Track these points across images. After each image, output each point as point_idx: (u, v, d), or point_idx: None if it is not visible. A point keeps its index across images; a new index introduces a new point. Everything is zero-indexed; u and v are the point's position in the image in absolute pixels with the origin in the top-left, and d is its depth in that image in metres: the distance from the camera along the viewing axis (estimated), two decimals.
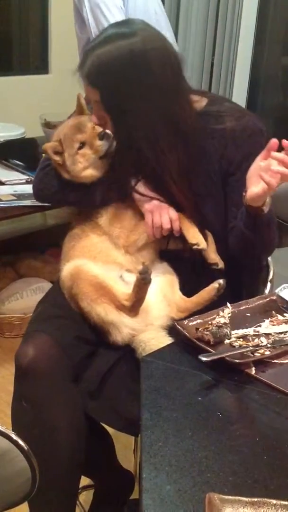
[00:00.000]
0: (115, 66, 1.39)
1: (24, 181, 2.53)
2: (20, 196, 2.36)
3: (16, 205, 2.32)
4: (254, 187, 1.31)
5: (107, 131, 1.45)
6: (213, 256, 1.50)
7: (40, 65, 3.55)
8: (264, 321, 1.31)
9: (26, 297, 2.79)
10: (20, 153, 2.74)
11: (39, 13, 3.48)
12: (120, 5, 2.35)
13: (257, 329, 1.27)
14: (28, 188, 2.14)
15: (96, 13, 2.34)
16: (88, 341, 1.42)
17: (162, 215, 1.46)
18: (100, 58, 1.40)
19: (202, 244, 1.45)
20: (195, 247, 1.45)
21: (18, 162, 2.71)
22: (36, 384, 1.35)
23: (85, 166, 1.48)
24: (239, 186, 1.42)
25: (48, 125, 2.89)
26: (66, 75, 2.89)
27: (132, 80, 1.39)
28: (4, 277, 2.94)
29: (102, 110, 1.45)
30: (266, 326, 1.29)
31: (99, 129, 1.47)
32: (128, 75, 1.39)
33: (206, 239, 1.49)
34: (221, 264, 1.50)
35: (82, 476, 1.58)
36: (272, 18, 3.55)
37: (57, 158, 1.48)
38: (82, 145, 1.47)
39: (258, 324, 1.30)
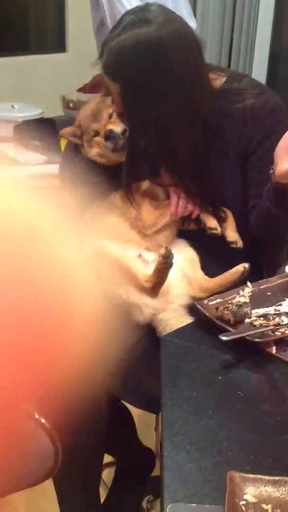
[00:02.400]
0: (134, 58, 1.36)
1: (43, 161, 2.52)
2: (39, 177, 2.36)
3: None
4: (284, 164, 1.30)
5: (114, 129, 1.46)
6: (233, 234, 1.50)
7: (57, 44, 3.53)
8: (285, 300, 1.30)
9: None
10: (38, 133, 2.73)
11: None
12: None
13: (278, 308, 1.27)
14: (46, 169, 2.14)
15: None
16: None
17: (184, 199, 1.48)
18: (118, 50, 1.37)
19: (219, 229, 1.47)
20: (212, 231, 1.47)
21: (36, 142, 2.70)
22: None
23: (99, 153, 1.51)
24: (261, 165, 1.41)
25: (68, 105, 2.89)
26: (84, 54, 2.88)
27: (151, 71, 1.37)
28: None
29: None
30: (287, 305, 1.28)
31: (110, 124, 1.47)
32: (147, 66, 1.36)
33: (226, 217, 1.48)
34: (240, 243, 1.49)
35: (105, 454, 1.60)
36: None
37: (77, 141, 1.52)
38: (97, 133, 1.49)
39: (279, 303, 1.29)
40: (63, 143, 2.17)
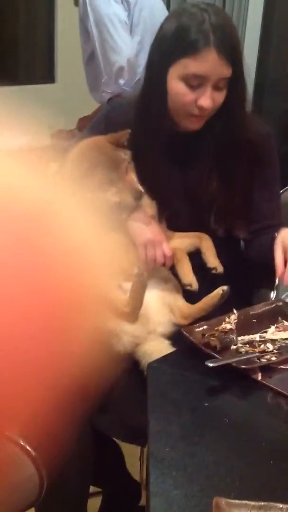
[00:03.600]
0: (235, 35, 1.42)
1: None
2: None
3: None
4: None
5: (142, 190, 1.44)
6: (213, 260, 1.50)
7: (46, 75, 3.58)
8: (270, 327, 1.31)
9: None
10: (26, 162, 2.76)
11: (45, 23, 3.52)
12: (124, 19, 2.38)
13: (263, 334, 1.28)
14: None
15: (101, 28, 2.38)
16: None
17: (157, 249, 1.45)
18: (231, 29, 1.39)
19: (194, 285, 1.43)
20: (187, 287, 1.44)
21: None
22: None
23: (99, 198, 1.44)
24: (256, 191, 1.50)
25: (58, 135, 2.93)
26: (72, 85, 2.93)
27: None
28: None
29: (221, 90, 1.40)
30: (272, 332, 1.29)
31: (133, 181, 1.44)
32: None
33: (204, 244, 1.51)
34: (220, 269, 1.49)
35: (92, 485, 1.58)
36: (276, 23, 3.57)
37: (77, 178, 1.43)
38: (109, 182, 1.44)
39: (264, 330, 1.30)
40: (50, 171, 2.18)
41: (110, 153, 1.45)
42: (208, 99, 1.37)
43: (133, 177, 1.47)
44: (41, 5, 3.51)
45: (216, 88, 1.38)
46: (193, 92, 1.38)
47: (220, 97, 1.40)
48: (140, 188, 1.45)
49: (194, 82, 1.36)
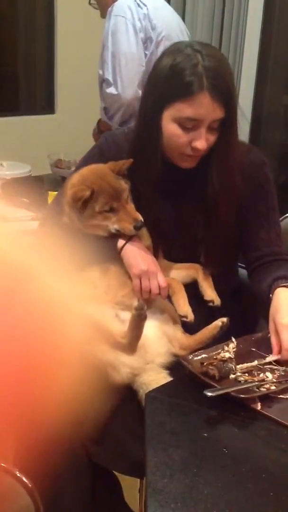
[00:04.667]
0: (229, 76, 1.41)
1: (30, 218, 2.56)
2: (26, 233, 2.39)
3: None
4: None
5: (142, 220, 1.45)
6: (209, 293, 1.50)
7: (46, 106, 3.63)
8: (268, 355, 1.31)
9: None
10: (26, 190, 2.78)
11: (45, 55, 3.58)
12: (141, 62, 2.43)
13: (261, 361, 1.27)
14: (34, 225, 2.16)
15: (115, 61, 2.43)
16: None
17: (151, 280, 1.45)
18: (226, 72, 1.39)
19: (190, 317, 1.42)
20: (183, 319, 1.43)
21: (24, 199, 2.75)
22: None
23: (97, 225, 1.47)
24: (253, 219, 1.52)
25: (56, 164, 2.95)
26: (71, 115, 2.98)
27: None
28: None
29: (214, 131, 1.41)
30: (270, 360, 1.28)
31: (134, 211, 1.45)
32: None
33: (201, 276, 1.51)
34: (217, 301, 1.49)
35: None
36: (273, 57, 3.63)
37: (79, 203, 1.43)
38: (110, 210, 1.45)
39: (262, 357, 1.29)
40: (50, 199, 2.20)
41: (112, 181, 1.46)
42: (202, 142, 1.39)
43: (133, 206, 1.48)
44: (40, 38, 3.58)
45: (209, 129, 1.39)
46: (188, 134, 1.39)
47: (214, 137, 1.42)
48: (140, 217, 1.46)
49: (189, 124, 1.38)
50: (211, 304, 1.49)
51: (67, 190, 1.49)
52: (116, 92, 2.45)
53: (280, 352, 1.30)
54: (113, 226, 1.46)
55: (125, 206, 1.46)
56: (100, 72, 2.56)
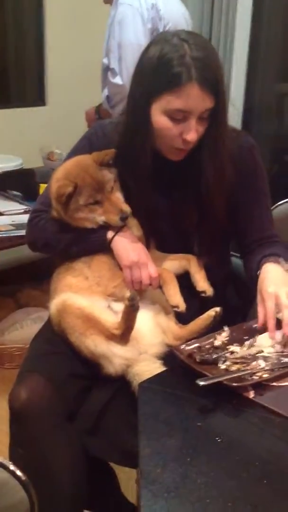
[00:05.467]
0: (217, 65, 1.38)
1: (22, 211, 2.55)
2: (18, 226, 2.38)
3: (15, 235, 2.34)
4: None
5: (128, 210, 1.44)
6: (202, 284, 1.49)
7: (37, 98, 3.61)
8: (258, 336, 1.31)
9: (26, 326, 2.78)
10: (18, 183, 2.77)
11: (35, 46, 3.55)
12: None
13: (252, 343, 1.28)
14: (26, 218, 2.15)
15: (121, 52, 2.40)
16: (82, 376, 1.40)
17: (142, 270, 1.44)
18: (216, 64, 1.37)
19: (182, 307, 1.41)
20: (175, 309, 1.43)
21: (16, 192, 2.74)
22: (29, 428, 1.33)
23: (84, 218, 1.46)
24: (245, 204, 1.52)
25: (48, 156, 2.94)
26: (62, 107, 2.96)
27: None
28: (4, 308, 2.94)
29: (204, 121, 1.39)
30: (262, 344, 1.29)
31: (119, 201, 1.45)
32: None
33: (193, 266, 1.51)
34: (209, 292, 1.48)
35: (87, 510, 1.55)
36: (264, 45, 3.61)
37: (63, 198, 1.43)
38: (96, 202, 1.45)
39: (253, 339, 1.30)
40: (42, 192, 2.19)
41: (95, 172, 1.45)
42: (193, 133, 1.37)
43: (118, 196, 1.47)
44: (30, 30, 3.55)
45: (199, 119, 1.37)
46: (177, 126, 1.37)
47: (204, 127, 1.40)
48: (126, 207, 1.45)
49: (178, 116, 1.36)
50: (203, 294, 1.49)
51: (52, 185, 1.48)
52: (121, 83, 2.43)
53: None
54: (100, 218, 1.45)
55: (110, 198, 1.45)
56: (105, 61, 2.53)
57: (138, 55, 2.39)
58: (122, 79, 2.41)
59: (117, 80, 2.43)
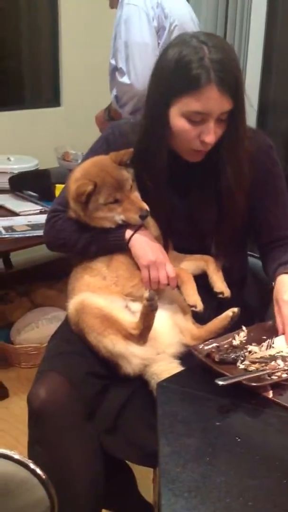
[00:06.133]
0: (236, 67, 1.38)
1: (38, 211, 2.57)
2: (34, 226, 2.40)
3: (30, 235, 2.35)
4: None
5: (147, 208, 1.45)
6: (219, 285, 1.49)
7: (52, 98, 3.63)
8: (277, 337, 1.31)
9: (42, 326, 2.80)
10: (34, 184, 2.78)
11: (50, 48, 3.57)
12: (154, 52, 2.40)
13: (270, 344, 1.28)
14: (42, 219, 2.17)
15: (128, 51, 2.41)
16: (100, 375, 1.40)
17: (160, 270, 1.44)
18: (235, 67, 1.37)
19: (199, 307, 1.42)
20: (192, 308, 1.43)
21: (31, 193, 2.75)
22: (48, 427, 1.34)
23: (103, 217, 1.46)
24: (264, 205, 1.53)
25: (64, 157, 2.95)
26: (77, 108, 2.97)
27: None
28: (20, 307, 2.96)
29: (223, 122, 1.39)
30: (281, 345, 1.28)
31: (138, 200, 1.46)
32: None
33: (211, 267, 1.51)
34: (227, 293, 1.48)
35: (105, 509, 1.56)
36: (278, 44, 3.60)
37: (83, 197, 1.43)
38: (115, 201, 1.45)
39: (272, 340, 1.30)
40: (57, 192, 2.20)
41: (114, 172, 1.45)
42: (211, 136, 1.37)
43: (137, 195, 1.47)
44: (45, 31, 3.57)
45: (218, 120, 1.37)
46: (196, 128, 1.37)
47: (222, 129, 1.40)
48: (146, 206, 1.45)
49: (197, 118, 1.36)
50: (221, 296, 1.49)
51: (70, 185, 1.49)
52: (129, 82, 2.43)
53: (284, 330, 1.30)
54: (119, 217, 1.46)
55: (129, 196, 1.45)
56: (113, 61, 2.54)
57: (145, 54, 2.41)
58: (129, 78, 2.42)
59: (125, 79, 2.43)
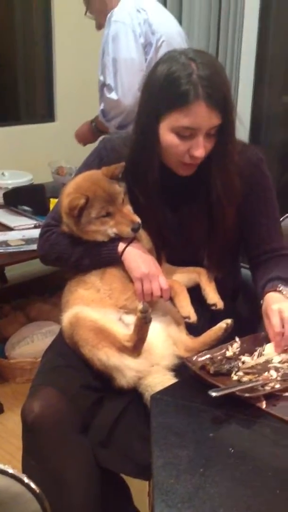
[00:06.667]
0: (224, 82, 1.40)
1: (33, 226, 2.58)
2: (28, 241, 2.40)
3: (25, 249, 2.36)
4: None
5: (139, 221, 1.46)
6: (212, 296, 1.50)
7: (46, 114, 3.65)
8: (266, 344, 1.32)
9: (37, 340, 2.79)
10: (28, 198, 2.80)
11: (43, 64, 3.60)
12: (141, 68, 2.43)
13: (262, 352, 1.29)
14: (36, 233, 2.18)
15: (115, 67, 2.44)
16: (95, 388, 1.40)
17: (153, 282, 1.45)
18: (222, 82, 1.38)
19: (193, 318, 1.42)
20: (186, 320, 1.43)
21: (26, 207, 2.76)
22: (42, 441, 1.34)
23: (96, 231, 1.47)
24: (251, 215, 1.53)
25: (58, 171, 2.97)
26: (71, 123, 2.99)
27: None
28: (15, 322, 2.96)
29: (212, 137, 1.41)
30: (270, 353, 1.29)
31: (130, 213, 1.47)
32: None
33: (203, 280, 1.52)
34: (220, 305, 1.49)
35: None
36: (271, 57, 3.64)
37: (75, 211, 1.44)
38: (107, 215, 1.46)
39: (262, 347, 1.31)
40: (52, 207, 2.21)
41: (106, 186, 1.47)
42: (201, 150, 1.39)
43: (129, 208, 1.49)
44: (38, 47, 3.60)
45: (207, 135, 1.39)
46: (185, 143, 1.39)
47: (211, 143, 1.42)
48: (137, 219, 1.47)
49: (186, 133, 1.38)
50: (214, 308, 1.49)
51: (63, 199, 1.50)
52: (116, 98, 2.46)
53: (279, 343, 1.31)
54: (112, 230, 1.47)
55: (121, 209, 1.47)
56: (101, 78, 2.57)
57: (132, 70, 2.43)
58: (117, 94, 2.45)
59: (113, 95, 2.46)
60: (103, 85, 2.55)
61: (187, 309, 1.43)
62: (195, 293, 1.50)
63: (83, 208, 1.44)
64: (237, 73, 3.39)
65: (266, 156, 1.58)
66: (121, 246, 1.48)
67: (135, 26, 2.46)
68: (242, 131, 1.58)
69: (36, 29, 3.60)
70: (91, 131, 2.84)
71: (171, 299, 1.47)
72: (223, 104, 1.37)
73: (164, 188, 1.48)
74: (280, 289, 1.40)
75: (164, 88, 1.37)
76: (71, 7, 2.98)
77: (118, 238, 1.48)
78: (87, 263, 1.50)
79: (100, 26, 2.71)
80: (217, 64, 1.43)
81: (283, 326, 1.31)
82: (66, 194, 1.50)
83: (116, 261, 1.48)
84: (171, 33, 2.58)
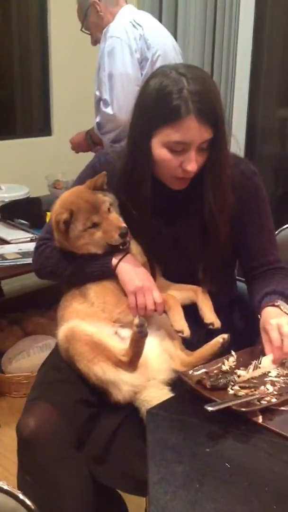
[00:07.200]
0: (215, 96, 1.40)
1: (29, 239, 2.58)
2: (25, 254, 2.40)
3: (21, 263, 2.36)
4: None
5: (125, 226, 1.46)
6: (209, 316, 1.49)
7: (43, 128, 3.67)
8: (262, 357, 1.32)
9: (33, 354, 2.78)
10: (25, 212, 2.80)
11: (40, 78, 3.63)
12: (137, 83, 2.45)
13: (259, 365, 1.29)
14: (33, 246, 2.18)
15: (111, 82, 2.46)
16: (90, 403, 1.40)
17: (146, 296, 1.45)
18: (214, 97, 1.39)
19: (186, 332, 1.42)
20: (179, 334, 1.43)
21: (22, 221, 2.77)
22: (37, 456, 1.33)
23: (87, 243, 1.48)
24: (244, 229, 1.52)
25: (54, 185, 2.98)
26: (67, 137, 3.00)
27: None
28: (11, 336, 2.95)
29: (204, 151, 1.42)
30: (267, 365, 1.29)
31: (117, 220, 1.47)
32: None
33: (200, 298, 1.52)
34: (217, 324, 1.48)
35: None
36: (265, 71, 3.66)
37: (61, 226, 1.46)
38: (93, 225, 1.47)
39: (259, 360, 1.31)
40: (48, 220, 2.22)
41: (89, 196, 1.48)
42: (193, 164, 1.40)
43: (115, 215, 1.49)
44: (35, 61, 3.63)
45: (199, 149, 1.40)
46: (177, 157, 1.40)
47: (203, 157, 1.43)
48: (123, 224, 1.47)
49: (178, 148, 1.38)
50: (211, 327, 1.49)
51: (51, 217, 1.52)
52: (112, 112, 2.48)
53: (278, 358, 1.31)
54: (100, 239, 1.47)
55: (107, 217, 1.47)
56: (97, 92, 2.59)
57: (127, 85, 2.45)
58: (113, 108, 2.46)
59: (109, 110, 2.48)
60: (99, 100, 2.57)
61: (180, 323, 1.43)
62: (190, 307, 1.50)
63: (69, 222, 1.45)
64: (232, 87, 3.41)
65: (260, 169, 1.59)
66: (114, 259, 1.48)
67: (131, 41, 2.48)
68: (236, 144, 1.59)
69: (32, 43, 3.62)
70: (86, 140, 2.86)
71: (165, 313, 1.47)
72: (214, 118, 1.37)
73: (158, 202, 1.49)
74: (278, 303, 1.40)
75: (155, 103, 1.38)
76: (67, 21, 3.01)
77: (111, 251, 1.48)
78: (81, 277, 1.50)
79: (95, 41, 2.73)
80: (207, 79, 1.44)
81: (282, 341, 1.31)
82: (54, 211, 1.51)
83: (110, 274, 1.48)
84: (166, 48, 2.60)
